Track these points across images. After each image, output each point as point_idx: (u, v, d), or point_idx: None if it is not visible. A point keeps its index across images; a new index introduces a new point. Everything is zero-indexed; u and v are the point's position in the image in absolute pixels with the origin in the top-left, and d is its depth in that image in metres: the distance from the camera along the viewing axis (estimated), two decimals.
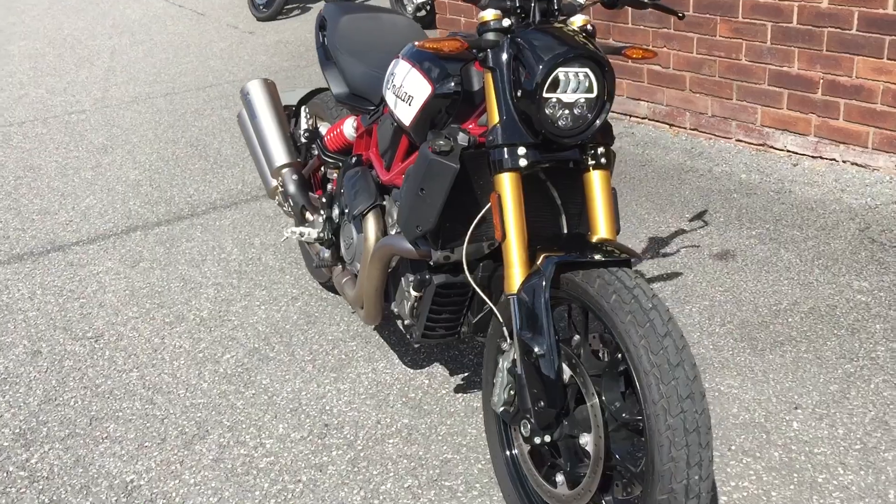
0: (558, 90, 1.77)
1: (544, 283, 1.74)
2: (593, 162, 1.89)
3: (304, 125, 2.94)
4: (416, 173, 1.99)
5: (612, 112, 4.63)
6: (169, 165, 4.84)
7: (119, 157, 5.12)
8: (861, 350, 2.60)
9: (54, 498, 2.29)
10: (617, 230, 1.94)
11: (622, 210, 3.66)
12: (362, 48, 2.65)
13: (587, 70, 1.78)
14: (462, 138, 1.94)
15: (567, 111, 1.80)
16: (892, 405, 2.36)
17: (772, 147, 4.05)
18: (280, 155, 2.90)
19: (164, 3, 10.60)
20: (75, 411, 2.66)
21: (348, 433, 2.45)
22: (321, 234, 2.70)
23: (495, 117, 1.84)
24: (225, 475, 2.32)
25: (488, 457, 2.21)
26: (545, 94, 1.76)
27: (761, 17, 3.85)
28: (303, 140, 2.92)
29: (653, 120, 4.56)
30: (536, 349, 1.73)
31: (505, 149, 1.82)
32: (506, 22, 1.85)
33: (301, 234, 2.71)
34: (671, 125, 4.47)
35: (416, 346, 2.77)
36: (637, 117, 4.65)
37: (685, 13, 2.39)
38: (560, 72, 1.76)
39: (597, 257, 1.76)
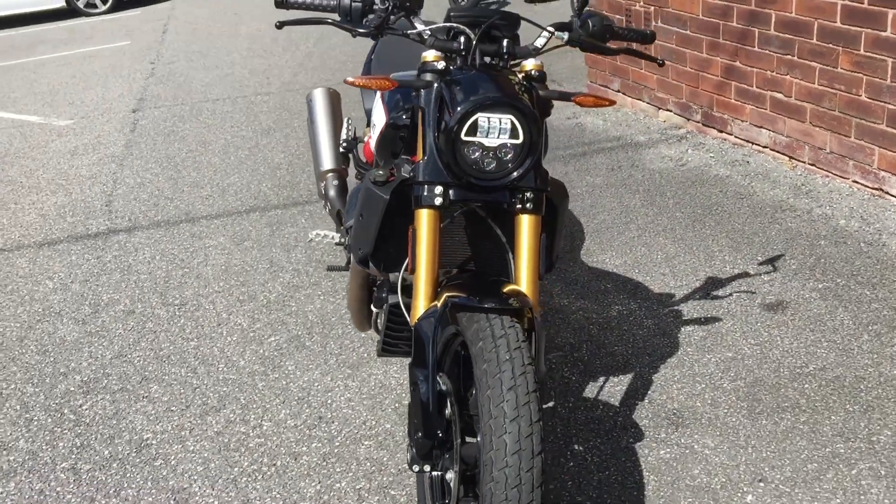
0: (478, 134, 1.86)
1: (433, 319, 1.86)
2: (520, 206, 1.95)
3: (343, 135, 3.15)
4: (357, 200, 2.16)
5: (736, 137, 4.49)
6: (310, 153, 5.27)
7: (274, 140, 5.62)
8: (864, 431, 2.45)
9: (84, 443, 2.71)
10: (549, 267, 2.01)
11: (695, 243, 3.59)
12: (389, 66, 2.81)
13: (510, 117, 1.84)
14: (406, 170, 2.04)
15: (490, 155, 1.88)
16: (863, 497, 2.22)
17: (887, 193, 3.75)
18: (327, 160, 3.14)
19: None
20: (134, 369, 3.09)
21: (334, 428, 2.67)
22: (341, 240, 2.92)
23: (420, 155, 1.97)
24: (218, 448, 2.63)
25: None
26: (464, 138, 1.85)
27: (883, 52, 3.57)
28: (342, 149, 3.14)
29: (773, 150, 4.34)
30: (419, 380, 1.86)
31: (424, 186, 1.94)
32: (440, 64, 1.96)
33: (324, 237, 2.94)
34: (790, 157, 4.24)
35: (379, 357, 2.92)
36: (758, 145, 4.44)
37: (663, 61, 2.37)
38: (480, 116, 1.84)
39: (486, 304, 1.83)
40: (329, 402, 2.81)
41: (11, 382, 3.07)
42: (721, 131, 4.68)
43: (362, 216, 2.12)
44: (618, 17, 5.01)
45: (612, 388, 2.74)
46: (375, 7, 2.05)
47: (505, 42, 2.02)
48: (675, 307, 3.16)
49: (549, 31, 2.09)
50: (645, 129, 5.09)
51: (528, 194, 1.95)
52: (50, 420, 2.83)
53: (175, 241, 4.16)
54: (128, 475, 2.55)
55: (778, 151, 4.32)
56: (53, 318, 3.51)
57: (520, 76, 2.00)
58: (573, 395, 2.73)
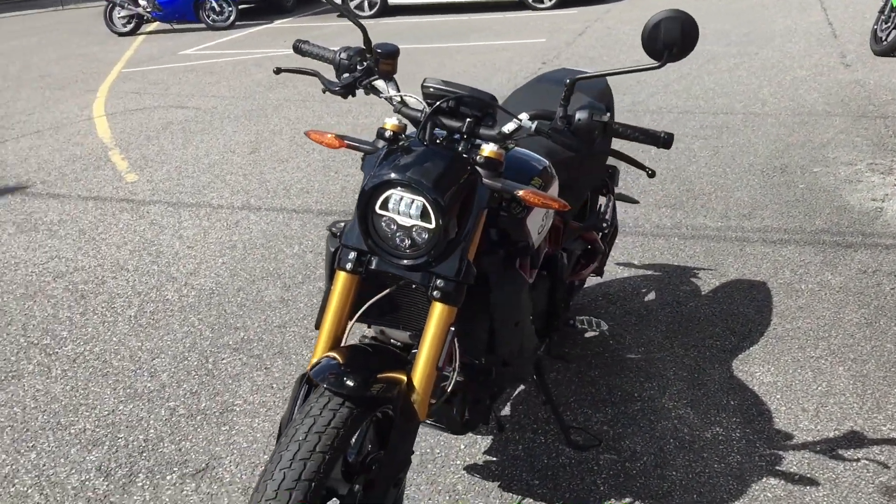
0: (390, 210, 1.85)
1: (303, 379, 1.90)
2: (434, 292, 1.89)
3: None
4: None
5: None
6: None
7: None
8: None
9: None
10: (440, 366, 1.92)
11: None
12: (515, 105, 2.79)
13: (422, 200, 1.81)
14: (338, 229, 2.08)
15: (404, 234, 1.86)
16: None
17: None
18: None
19: (821, 19, 10.34)
20: (258, 343, 3.51)
21: None
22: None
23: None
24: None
25: None
26: (378, 210, 1.86)
27: None
28: None
29: None
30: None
31: (343, 249, 1.97)
32: (388, 133, 1.96)
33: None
34: None
35: None
36: None
37: (653, 171, 2.00)
38: (394, 193, 1.83)
39: (329, 380, 1.80)
40: None
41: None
42: None
43: (325, 262, 2.20)
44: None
45: None
46: (358, 67, 2.11)
47: (467, 121, 1.94)
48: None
49: (518, 120, 1.94)
50: None
51: (439, 282, 1.88)
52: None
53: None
54: None
55: None
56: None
57: (474, 159, 1.92)
58: None
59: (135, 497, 2.59)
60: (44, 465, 2.76)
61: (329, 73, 2.25)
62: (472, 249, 1.91)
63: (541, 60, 9.03)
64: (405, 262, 1.89)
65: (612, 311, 3.59)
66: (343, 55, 2.14)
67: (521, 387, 3.07)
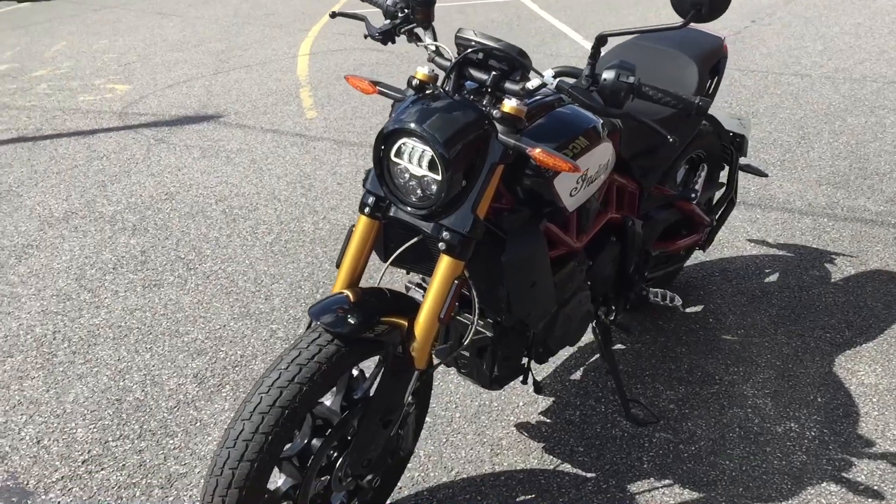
0: (404, 158, 1.90)
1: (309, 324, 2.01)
2: (441, 244, 1.93)
3: None
4: None
5: None
6: None
7: None
8: None
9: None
10: (442, 318, 1.96)
11: None
12: None
13: (430, 151, 1.84)
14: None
15: (416, 183, 1.91)
16: None
17: None
18: None
19: None
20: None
21: None
22: None
23: None
24: None
25: None
26: (393, 158, 1.92)
27: None
28: None
29: None
30: None
31: (365, 193, 2.05)
32: (416, 82, 1.99)
33: None
34: None
35: None
36: None
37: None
38: (406, 141, 1.88)
39: (326, 316, 1.90)
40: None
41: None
42: None
43: None
44: None
45: None
46: (399, 15, 2.14)
47: (493, 74, 1.93)
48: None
49: (541, 76, 1.90)
50: None
51: (445, 234, 1.92)
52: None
53: None
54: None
55: None
56: None
57: (491, 113, 1.91)
58: None
59: (216, 405, 2.86)
60: (153, 367, 3.10)
61: (380, 19, 2.30)
62: (482, 205, 1.91)
63: (749, 20, 8.46)
64: (416, 211, 1.93)
65: (724, 289, 3.41)
66: (390, 2, 2.18)
67: (598, 355, 3.03)
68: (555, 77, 1.88)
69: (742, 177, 4.31)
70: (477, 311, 2.13)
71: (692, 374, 2.91)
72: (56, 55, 8.47)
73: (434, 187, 1.87)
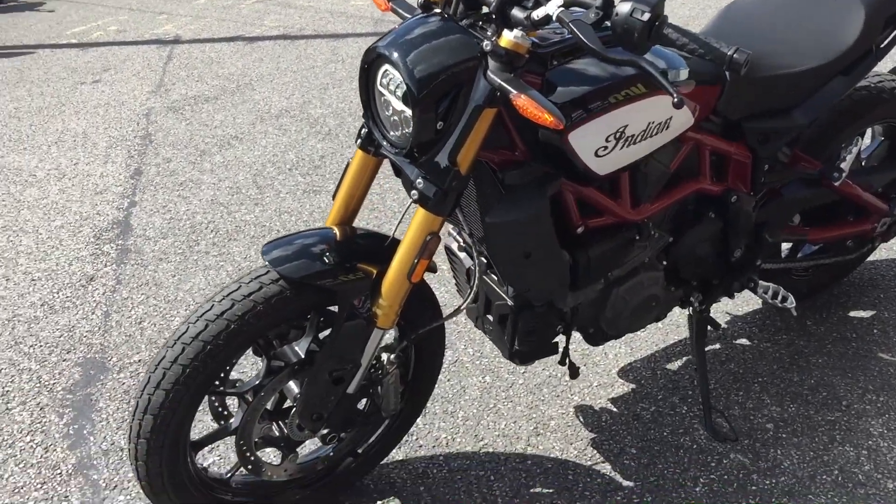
0: (389, 87, 1.68)
1: None
2: (413, 193, 1.71)
3: None
4: None
5: None
6: None
7: None
8: None
9: None
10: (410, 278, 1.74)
11: None
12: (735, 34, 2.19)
13: (405, 81, 1.60)
14: None
15: (397, 119, 1.69)
16: None
17: None
18: None
19: None
20: None
21: None
22: None
23: None
24: None
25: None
26: (379, 87, 1.71)
27: None
28: None
29: None
30: None
31: (364, 125, 1.84)
32: (421, 0, 1.75)
33: None
34: None
35: None
36: None
37: None
38: (386, 69, 1.66)
39: (272, 261, 1.75)
40: None
41: None
42: None
43: None
44: None
45: None
46: None
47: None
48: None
49: (544, 5, 1.54)
50: None
51: (419, 182, 1.68)
52: None
53: None
54: None
55: None
56: None
57: (484, 45, 1.61)
58: None
59: None
60: None
61: None
62: (464, 154, 1.63)
63: None
64: (393, 150, 1.70)
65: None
66: None
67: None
68: (563, 6, 1.52)
69: None
70: (476, 275, 1.88)
71: (815, 393, 2.37)
72: None
73: (411, 126, 1.63)
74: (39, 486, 2.22)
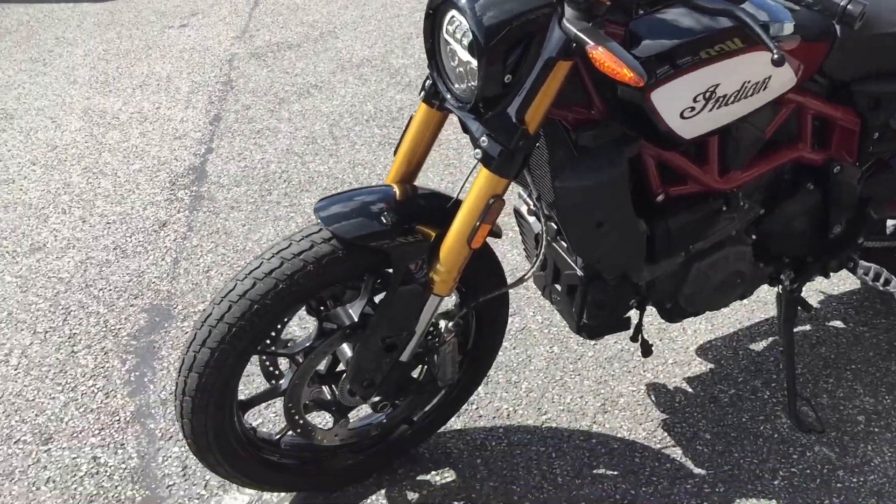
0: (456, 36, 1.55)
1: None
2: (476, 152, 1.58)
3: None
4: None
5: None
6: None
7: None
8: None
9: None
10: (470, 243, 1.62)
11: None
12: None
13: (472, 30, 1.47)
14: None
15: (463, 70, 1.57)
16: None
17: None
18: None
19: None
20: None
21: None
22: None
23: None
24: None
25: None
26: (446, 36, 1.58)
27: None
28: None
29: None
30: None
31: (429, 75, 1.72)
32: None
33: None
34: None
35: None
36: None
37: None
38: (453, 15, 1.54)
39: (324, 219, 1.66)
40: None
41: None
42: None
43: None
44: None
45: None
46: None
47: None
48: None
49: None
50: None
51: (483, 140, 1.55)
52: None
53: None
54: None
55: None
56: None
57: None
58: None
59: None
60: None
61: None
62: (534, 112, 1.50)
63: None
64: (457, 103, 1.58)
65: None
66: None
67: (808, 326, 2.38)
68: None
69: None
70: (543, 243, 1.75)
71: None
72: None
73: (476, 79, 1.50)
74: (98, 431, 2.21)
